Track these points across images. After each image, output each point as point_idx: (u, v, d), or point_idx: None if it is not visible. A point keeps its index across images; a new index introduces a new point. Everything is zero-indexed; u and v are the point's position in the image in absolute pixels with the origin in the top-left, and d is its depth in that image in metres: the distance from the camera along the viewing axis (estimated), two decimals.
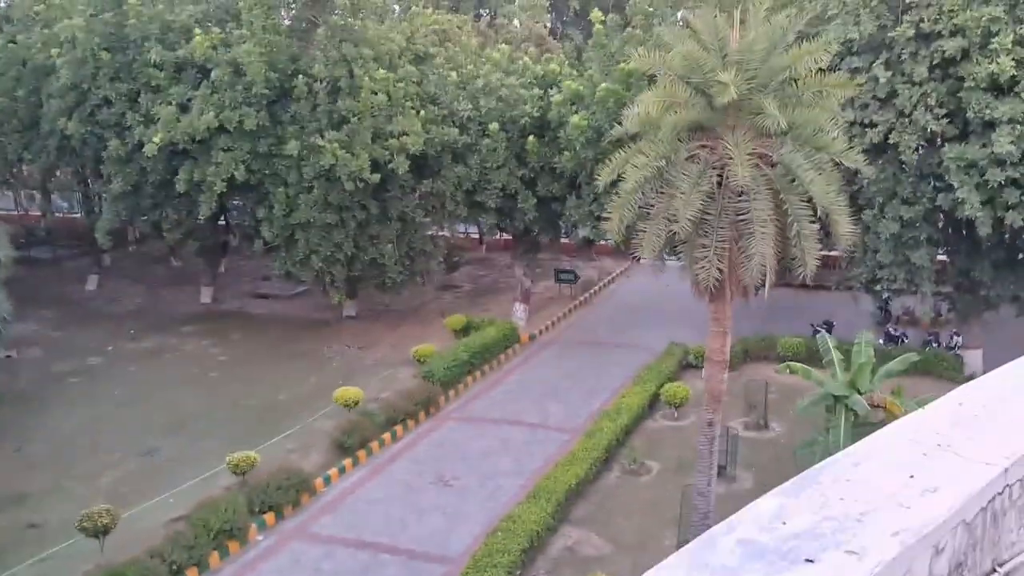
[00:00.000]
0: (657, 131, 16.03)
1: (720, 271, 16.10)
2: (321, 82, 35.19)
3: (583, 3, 61.42)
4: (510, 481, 26.25)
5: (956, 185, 26.07)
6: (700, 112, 16.17)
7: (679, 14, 35.62)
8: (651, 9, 35.78)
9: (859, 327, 35.21)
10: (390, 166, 34.66)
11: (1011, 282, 29.45)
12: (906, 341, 35.77)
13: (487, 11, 68.63)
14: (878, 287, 30.10)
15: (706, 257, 15.83)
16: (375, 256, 37.85)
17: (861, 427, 23.56)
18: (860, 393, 23.47)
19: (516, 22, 58.43)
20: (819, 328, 36.79)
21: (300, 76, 35.26)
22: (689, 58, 16.00)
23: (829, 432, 23.45)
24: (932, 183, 27.75)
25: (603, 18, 34.62)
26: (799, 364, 26.14)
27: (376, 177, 34.52)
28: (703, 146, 16.42)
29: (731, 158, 15.22)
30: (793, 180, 15.90)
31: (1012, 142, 24.97)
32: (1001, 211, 25.92)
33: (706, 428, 18.20)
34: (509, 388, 34.18)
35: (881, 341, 35.63)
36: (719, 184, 16.04)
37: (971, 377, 33.40)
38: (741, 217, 15.75)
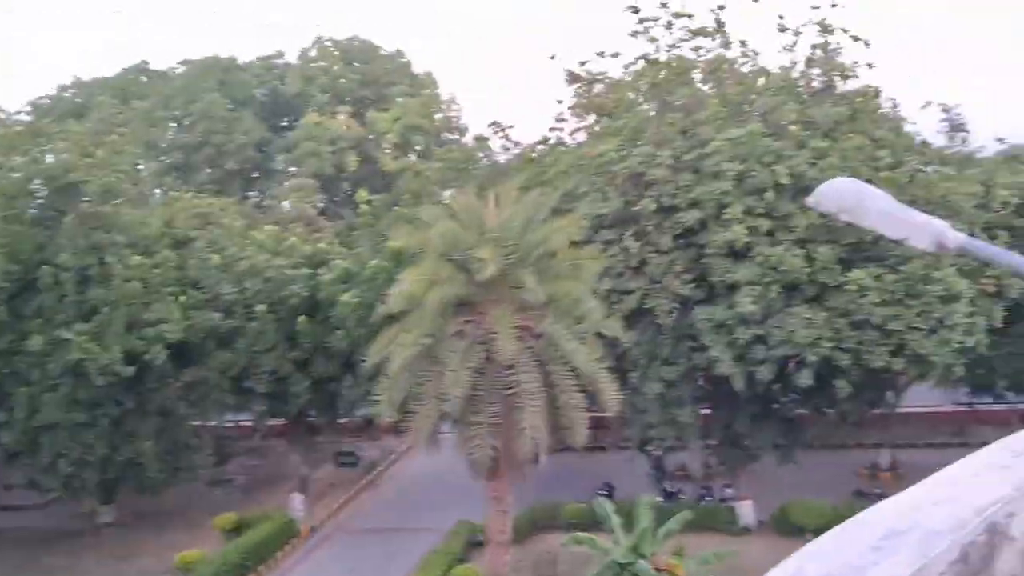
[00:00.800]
0: (422, 308, 15.80)
1: (494, 448, 15.70)
2: (69, 271, 32.89)
3: (354, 184, 62.58)
4: None
5: (709, 344, 27.55)
6: (463, 287, 16.18)
7: (447, 194, 36.72)
8: (418, 188, 36.70)
9: (638, 486, 35.92)
10: (146, 357, 32.41)
11: (768, 433, 31.06)
12: (682, 497, 36.60)
13: (255, 192, 68.40)
14: (649, 446, 30.77)
15: (478, 435, 15.41)
16: (132, 455, 34.71)
17: None
18: (644, 557, 23.38)
19: (285, 204, 58.31)
20: (601, 492, 37.08)
21: (45, 266, 32.83)
22: (448, 235, 16.10)
23: None
24: (688, 344, 29.20)
25: (368, 198, 35.03)
26: (585, 535, 25.81)
27: (130, 370, 32.09)
28: (468, 321, 16.34)
29: (496, 332, 15.15)
30: (558, 351, 16.03)
31: (753, 302, 26.87)
32: (751, 366, 27.54)
33: None
34: None
35: (659, 499, 36.32)
36: (487, 359, 15.89)
37: (746, 528, 34.95)
38: (510, 391, 15.56)
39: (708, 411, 32.84)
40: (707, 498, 36.29)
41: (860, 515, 3.67)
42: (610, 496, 37.17)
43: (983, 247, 4.31)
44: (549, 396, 15.99)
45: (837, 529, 3.63)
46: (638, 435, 30.75)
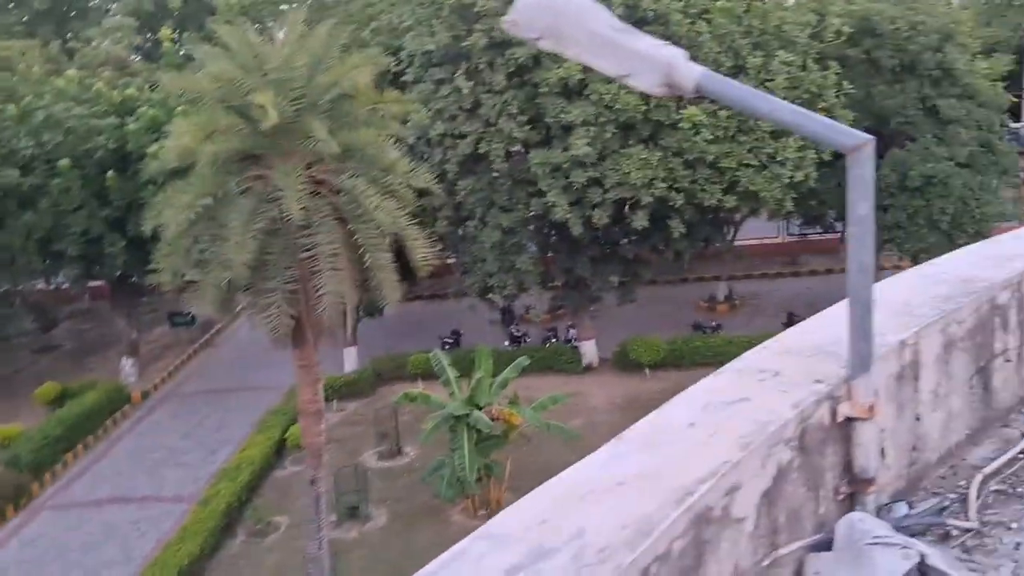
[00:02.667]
0: (199, 164, 13.95)
1: (293, 316, 14.40)
2: None
3: (179, 22, 57.01)
4: (116, 575, 22.72)
5: (545, 189, 26.64)
6: (246, 140, 14.34)
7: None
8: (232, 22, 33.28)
9: (486, 332, 35.72)
10: None
11: (608, 274, 30.91)
12: (528, 340, 36.65)
13: (70, 34, 61.68)
14: (491, 295, 30.18)
15: (274, 303, 14.04)
16: None
17: (485, 442, 23.22)
18: (479, 408, 23.04)
19: (102, 45, 52.66)
20: (447, 341, 36.69)
21: None
22: (223, 78, 14.10)
23: (455, 454, 22.78)
24: (526, 189, 28.21)
25: (172, 34, 31.57)
26: (417, 391, 25.28)
27: None
28: (257, 177, 14.60)
29: (283, 190, 13.55)
30: (359, 207, 14.61)
31: (588, 143, 25.93)
32: (588, 210, 26.89)
33: (309, 487, 16.41)
34: (117, 460, 30.12)
35: (507, 343, 36.27)
36: (280, 220, 14.32)
37: (588, 367, 35.45)
38: (307, 254, 14.15)
39: (550, 256, 32.33)
40: (553, 340, 36.46)
41: (492, 526, 2.60)
42: (457, 343, 36.91)
43: (722, 85, 3.16)
44: (353, 257, 14.67)
45: (456, 549, 2.57)
46: (479, 284, 30.01)
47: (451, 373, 24.19)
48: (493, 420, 22.95)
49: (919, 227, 29.56)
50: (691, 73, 3.15)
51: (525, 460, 26.22)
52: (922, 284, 4.03)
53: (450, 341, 36.77)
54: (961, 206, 29.01)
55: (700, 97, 3.66)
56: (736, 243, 41.02)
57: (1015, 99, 37.96)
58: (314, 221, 14.23)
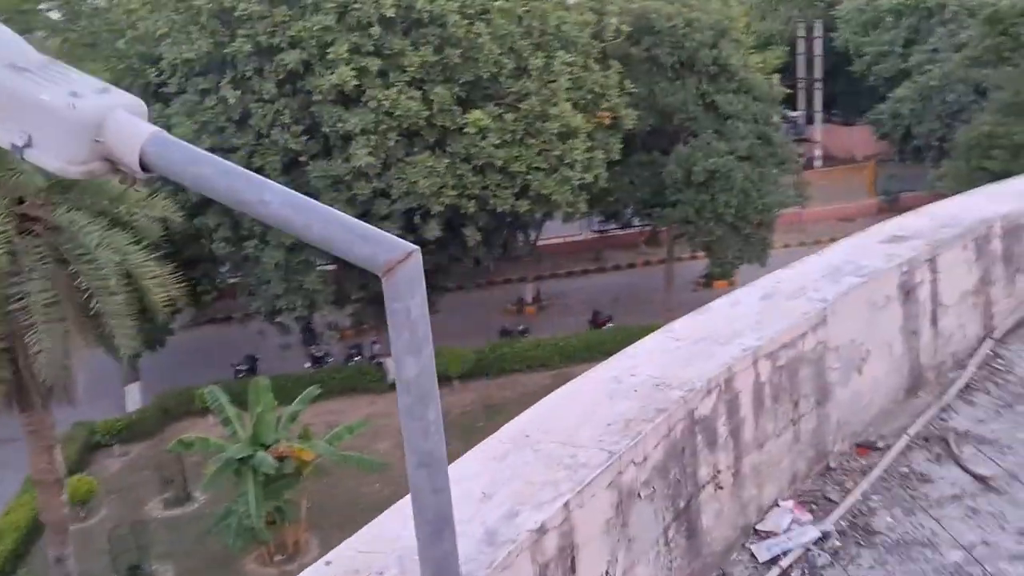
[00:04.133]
0: None
1: (5, 379, 12.25)
2: None
3: None
4: None
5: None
6: None
7: None
8: None
9: (284, 355, 33.58)
10: None
11: None
12: (331, 360, 34.83)
13: None
14: (280, 318, 28.22)
15: None
16: None
17: (276, 483, 21.40)
18: (267, 447, 21.18)
19: None
20: (240, 368, 34.29)
21: None
22: None
23: (240, 500, 20.83)
24: None
25: None
26: (194, 437, 23.05)
27: None
28: None
29: None
30: (81, 246, 12.60)
31: (370, 153, 24.51)
32: (376, 222, 25.43)
33: (54, 567, 14.15)
34: None
35: (307, 365, 34.31)
36: None
37: (394, 385, 33.83)
38: (18, 304, 12.03)
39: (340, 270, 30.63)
40: (357, 357, 34.79)
41: None
42: (252, 371, 34.51)
43: (183, 153, 1.90)
44: (81, 303, 12.67)
45: None
46: (266, 307, 27.97)
47: (231, 411, 22.17)
48: (281, 459, 21.16)
49: (706, 220, 29.98)
50: (135, 138, 1.88)
51: (325, 495, 24.56)
52: (595, 405, 2.94)
53: (244, 368, 34.38)
54: (744, 198, 29.62)
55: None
56: (540, 242, 40.75)
57: (789, 90, 39.52)
58: (25, 266, 12.12)
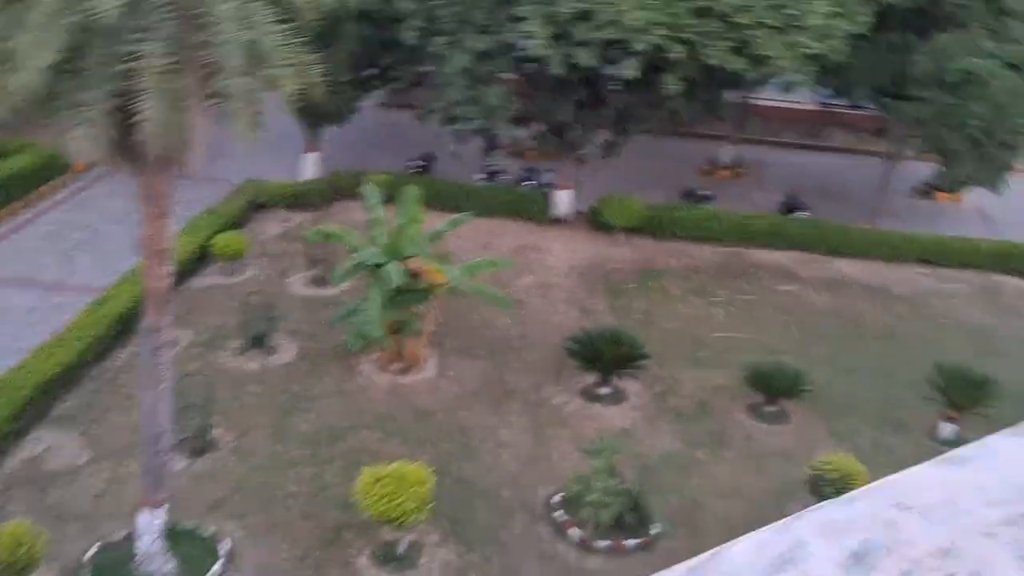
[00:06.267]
0: None
1: (115, 136, 11.64)
2: None
3: None
4: None
5: (526, 16, 23.01)
6: None
7: None
8: None
9: (463, 160, 32.70)
10: None
11: (592, 124, 27.66)
12: (505, 177, 33.76)
13: None
14: (456, 125, 27.07)
15: (87, 121, 11.26)
16: None
17: (403, 295, 20.96)
18: (401, 258, 20.60)
19: None
20: (416, 165, 33.83)
21: None
22: None
23: (367, 302, 20.58)
24: (507, 11, 24.49)
25: None
26: (335, 228, 22.72)
27: None
28: None
29: None
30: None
31: None
32: (570, 47, 23.35)
33: (146, 336, 14.21)
34: (36, 235, 28.21)
35: (479, 176, 33.44)
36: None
37: (558, 220, 32.66)
38: (126, 65, 11.20)
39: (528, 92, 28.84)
40: (529, 181, 33.55)
41: None
42: (426, 169, 34.07)
43: None
44: (202, 76, 11.74)
45: None
46: (443, 111, 26.83)
47: (380, 212, 21.61)
48: (414, 275, 20.59)
49: (947, 128, 25.91)
50: None
51: (455, 317, 24.14)
52: None
53: (420, 165, 33.92)
54: (997, 112, 25.23)
55: None
56: (753, 102, 37.23)
57: None
58: (146, 23, 11.20)
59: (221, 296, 25.39)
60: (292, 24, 12.42)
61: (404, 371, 22.13)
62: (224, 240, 26.21)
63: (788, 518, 1.74)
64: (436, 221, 23.40)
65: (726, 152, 37.28)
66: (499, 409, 21.05)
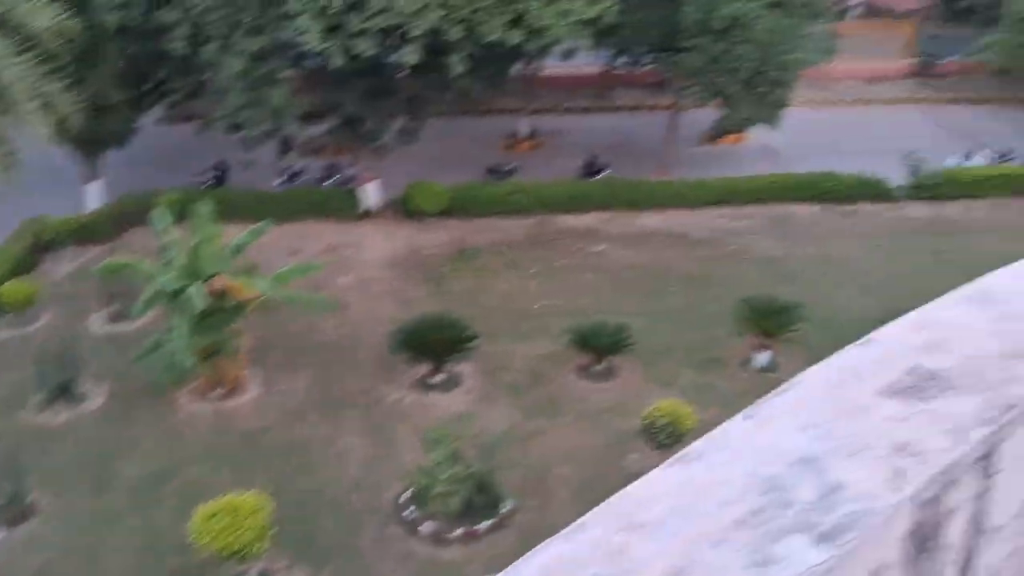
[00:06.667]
0: None
1: None
2: None
3: None
4: None
5: (295, 12, 22.29)
6: None
7: None
8: None
9: (258, 168, 31.47)
10: None
11: (384, 112, 27.28)
12: (305, 178, 32.81)
13: None
14: (243, 132, 26.03)
15: None
16: None
17: (212, 317, 19.99)
18: (202, 279, 19.60)
19: None
20: (209, 178, 32.31)
21: None
22: None
23: (173, 331, 19.48)
24: (278, 10, 23.66)
25: None
26: (120, 261, 21.42)
27: None
28: None
29: None
30: None
31: None
32: (348, 39, 22.85)
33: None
34: None
35: (277, 182, 32.31)
36: None
37: (367, 213, 32.19)
38: None
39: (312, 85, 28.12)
40: (332, 179, 32.75)
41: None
42: (220, 181, 32.62)
43: None
44: None
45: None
46: (226, 119, 25.72)
47: (173, 235, 20.48)
48: (220, 295, 19.66)
49: (719, 73, 27.21)
50: None
51: (274, 331, 23.33)
52: None
53: (214, 177, 32.42)
54: (764, 53, 26.72)
55: None
56: (542, 73, 37.80)
57: None
58: None
59: (15, 349, 23.45)
60: (38, 53, 11.44)
61: (227, 396, 21.21)
62: (10, 289, 24.18)
63: (512, 566, 1.58)
64: (238, 233, 22.46)
65: (524, 124, 37.75)
66: (334, 417, 20.54)
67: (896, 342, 2.26)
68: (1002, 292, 2.47)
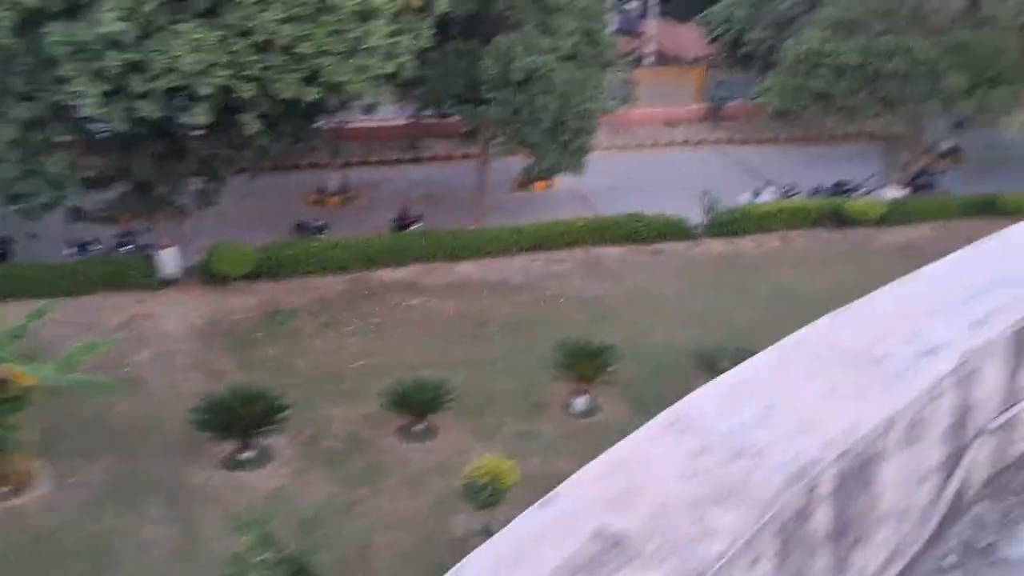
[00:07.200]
0: None
1: None
2: None
3: None
4: None
5: (70, 75, 20.88)
6: None
7: None
8: None
9: (50, 241, 29.23)
10: None
11: (177, 175, 25.99)
12: (99, 248, 30.70)
13: None
14: (20, 205, 24.08)
15: None
16: None
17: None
18: None
19: None
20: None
21: None
22: None
23: None
24: (51, 74, 22.08)
25: None
26: None
27: None
28: None
29: None
30: None
31: (122, 17, 20.43)
32: (130, 102, 21.60)
33: None
34: None
35: (74, 249, 30.10)
36: None
37: (167, 281, 30.51)
38: None
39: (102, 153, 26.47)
40: (127, 246, 30.81)
41: None
42: (4, 256, 30.14)
43: None
44: None
45: None
46: (3, 191, 23.74)
47: None
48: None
49: (523, 123, 27.63)
50: None
51: (65, 418, 21.47)
52: None
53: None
54: (564, 102, 27.35)
55: None
56: (349, 126, 37.34)
57: None
58: None
59: None
60: None
61: (13, 493, 19.26)
62: None
63: None
64: (25, 310, 20.67)
65: (332, 179, 37.07)
66: (135, 507, 19.00)
67: (583, 497, 1.95)
68: (700, 417, 2.23)
